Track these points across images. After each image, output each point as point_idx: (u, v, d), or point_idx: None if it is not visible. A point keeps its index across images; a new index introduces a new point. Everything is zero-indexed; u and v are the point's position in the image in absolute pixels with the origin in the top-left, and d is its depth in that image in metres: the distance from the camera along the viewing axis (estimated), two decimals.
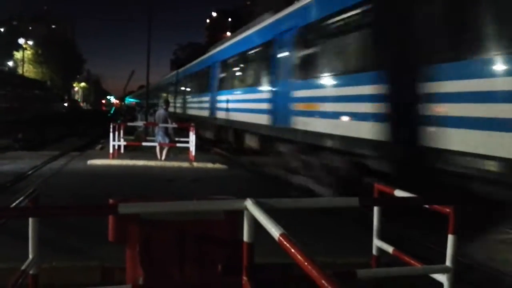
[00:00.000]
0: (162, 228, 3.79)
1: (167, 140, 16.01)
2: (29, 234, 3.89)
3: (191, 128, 15.99)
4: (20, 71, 75.04)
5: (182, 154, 16.24)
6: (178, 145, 16.49)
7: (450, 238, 3.60)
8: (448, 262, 3.61)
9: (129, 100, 79.04)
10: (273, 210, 3.10)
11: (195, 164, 15.05)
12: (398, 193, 4.02)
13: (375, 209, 4.32)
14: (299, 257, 2.36)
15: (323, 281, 2.04)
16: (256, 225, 3.15)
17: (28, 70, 77.67)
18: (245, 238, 3.31)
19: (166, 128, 16.16)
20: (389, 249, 4.16)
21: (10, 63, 77.99)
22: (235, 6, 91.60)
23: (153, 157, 15.72)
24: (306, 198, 3.68)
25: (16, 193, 9.11)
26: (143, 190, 10.52)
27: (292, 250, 2.44)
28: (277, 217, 2.87)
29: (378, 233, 4.35)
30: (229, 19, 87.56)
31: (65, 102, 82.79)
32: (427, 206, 3.86)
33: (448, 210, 3.61)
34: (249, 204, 3.21)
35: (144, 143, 17.44)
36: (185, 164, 14.97)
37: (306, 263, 2.27)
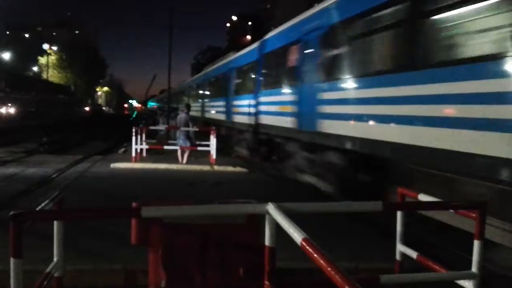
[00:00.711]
0: (184, 231, 3.80)
1: (188, 144, 16.07)
2: (54, 237, 3.95)
3: (212, 132, 16.04)
4: (44, 76, 76.26)
5: (203, 157, 16.29)
6: (199, 148, 16.54)
7: (476, 243, 3.53)
8: (474, 268, 3.54)
9: (151, 104, 79.71)
10: (294, 214, 3.09)
11: (216, 167, 15.08)
12: (422, 197, 3.96)
13: (399, 214, 4.25)
14: (322, 262, 2.33)
15: (346, 287, 2.02)
16: (277, 229, 3.14)
17: (53, 75, 78.85)
18: (267, 242, 3.29)
19: (188, 132, 16.24)
20: (413, 254, 4.10)
21: (35, 68, 79.25)
22: (255, 10, 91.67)
23: (175, 160, 15.81)
24: (327, 202, 3.64)
25: (41, 196, 9.29)
26: (165, 194, 10.58)
27: (315, 255, 2.42)
28: (297, 221, 2.85)
29: (401, 238, 4.29)
30: (250, 23, 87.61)
31: (86, 106, 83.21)
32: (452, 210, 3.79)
33: (474, 215, 3.55)
34: (270, 208, 3.20)
35: (165, 147, 17.55)
36: (206, 168, 15.02)
37: (329, 268, 2.24)
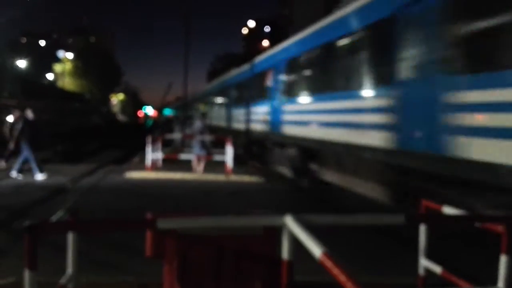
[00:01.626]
0: (200, 243, 3.73)
1: (204, 153, 16.03)
2: (68, 248, 3.89)
3: (228, 141, 16.00)
4: (59, 83, 77.00)
5: (219, 166, 16.24)
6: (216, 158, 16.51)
7: (503, 258, 3.41)
8: (500, 284, 3.42)
9: (168, 112, 79.99)
10: (313, 226, 2.99)
11: (232, 177, 15.02)
12: (447, 210, 3.85)
13: (422, 227, 4.14)
14: (342, 277, 2.25)
15: None
16: (295, 240, 3.05)
17: (68, 83, 79.60)
18: (284, 255, 3.22)
19: (203, 141, 16.20)
20: (437, 269, 3.98)
21: (50, 76, 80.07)
22: (273, 15, 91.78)
23: (190, 169, 15.77)
24: (347, 215, 3.55)
25: (55, 207, 9.29)
26: (180, 204, 10.53)
27: (335, 270, 2.33)
28: (314, 232, 2.77)
29: (424, 252, 4.17)
30: (267, 29, 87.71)
31: (95, 114, 78.96)
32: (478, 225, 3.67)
33: (500, 228, 3.43)
34: (288, 220, 3.12)
35: (181, 156, 17.53)
36: (222, 177, 14.96)
37: (349, 284, 2.15)
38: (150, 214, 3.59)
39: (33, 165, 14.05)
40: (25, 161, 14.15)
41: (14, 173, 13.92)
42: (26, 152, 14.06)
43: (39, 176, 13.91)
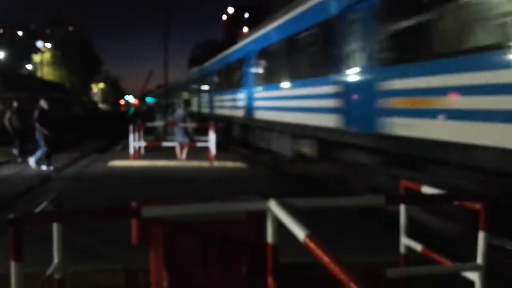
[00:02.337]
0: (185, 230, 3.76)
1: (187, 140, 16.01)
2: (53, 238, 3.91)
3: (211, 127, 15.99)
4: (39, 74, 75.94)
5: (203, 153, 16.24)
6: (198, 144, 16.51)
7: (481, 235, 3.51)
8: (479, 260, 3.52)
9: (149, 100, 79.51)
10: (296, 210, 3.05)
11: (215, 163, 15.04)
12: (426, 189, 3.93)
13: (402, 206, 4.23)
14: (325, 258, 2.31)
15: (351, 284, 1.99)
16: (279, 224, 3.10)
17: (47, 73, 78.53)
18: (269, 239, 3.27)
19: (186, 128, 16.17)
20: (418, 247, 4.08)
21: (29, 66, 78.89)
22: (251, 2, 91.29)
23: (173, 157, 15.76)
24: (329, 197, 3.61)
25: (40, 196, 9.25)
26: (164, 191, 10.54)
27: (318, 252, 2.39)
28: (298, 215, 2.81)
29: (405, 231, 4.27)
30: (246, 15, 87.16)
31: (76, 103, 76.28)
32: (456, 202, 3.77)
33: (478, 206, 3.52)
34: (272, 204, 3.17)
35: (164, 143, 17.50)
36: (206, 164, 14.97)
37: (333, 265, 2.21)
38: (134, 202, 3.61)
39: (39, 153, 14.37)
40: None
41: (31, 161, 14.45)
42: (40, 141, 14.34)
43: (32, 162, 14.27)
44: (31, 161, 14.28)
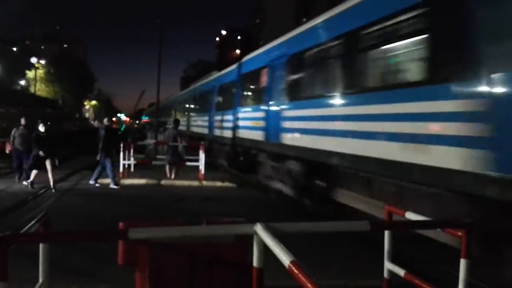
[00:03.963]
0: (172, 251, 3.77)
1: (177, 159, 16.02)
2: (39, 257, 3.89)
3: (201, 147, 16.02)
4: (32, 90, 75.71)
5: (192, 172, 16.23)
6: (187, 163, 16.51)
7: (463, 262, 3.55)
8: (461, 287, 3.56)
9: (144, 118, 79.36)
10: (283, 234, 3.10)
11: (204, 182, 15.04)
12: (410, 215, 3.98)
13: (387, 232, 4.27)
14: (309, 285, 2.35)
15: None
16: (266, 246, 3.13)
17: (40, 89, 78.31)
18: (255, 263, 3.29)
19: (176, 147, 16.18)
20: (401, 272, 4.11)
21: (23, 82, 78.69)
22: (244, 24, 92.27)
23: (163, 175, 15.75)
24: (315, 222, 3.65)
25: (28, 213, 9.20)
26: (153, 210, 10.53)
27: (303, 279, 2.43)
28: (286, 237, 2.85)
29: (389, 256, 4.30)
30: (239, 37, 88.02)
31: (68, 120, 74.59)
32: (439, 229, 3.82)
33: (460, 234, 3.57)
34: (258, 228, 3.20)
35: (154, 162, 17.48)
36: (195, 183, 14.97)
37: None
38: (121, 224, 3.63)
39: (111, 174, 14.00)
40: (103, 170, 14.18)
41: (110, 183, 14.03)
42: (106, 161, 13.95)
43: (112, 185, 13.97)
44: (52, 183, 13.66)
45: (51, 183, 13.29)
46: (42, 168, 13.42)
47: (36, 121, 14.41)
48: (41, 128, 13.64)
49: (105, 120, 15.17)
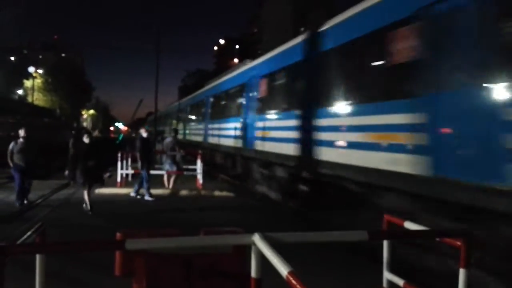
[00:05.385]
0: (169, 261, 3.75)
1: (175, 168, 15.98)
2: (36, 267, 3.86)
3: (199, 156, 16.00)
4: (29, 99, 75.65)
5: (190, 182, 16.20)
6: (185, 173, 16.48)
7: (462, 272, 3.53)
8: None
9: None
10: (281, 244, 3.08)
11: (202, 192, 15.01)
12: (408, 224, 3.97)
13: (385, 241, 4.25)
14: None
15: None
16: (264, 256, 3.11)
17: (38, 98, 78.24)
18: (253, 273, 3.26)
19: (174, 156, 16.16)
20: (400, 282, 4.09)
21: (20, 91, 78.63)
22: (242, 33, 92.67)
23: (161, 184, 15.71)
24: (313, 232, 3.64)
25: (25, 223, 9.16)
26: (150, 220, 10.49)
27: None
28: (285, 246, 2.83)
29: (388, 266, 4.28)
30: (237, 47, 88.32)
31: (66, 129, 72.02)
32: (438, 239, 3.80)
33: (459, 243, 3.55)
34: (256, 239, 3.18)
35: (152, 171, 17.44)
36: (193, 192, 14.94)
37: None
38: (119, 234, 3.60)
39: (145, 185, 13.81)
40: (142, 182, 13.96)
41: (145, 195, 13.85)
42: (143, 172, 13.86)
43: (147, 197, 13.77)
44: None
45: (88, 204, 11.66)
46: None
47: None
48: (86, 139, 12.12)
49: (142, 131, 14.71)
